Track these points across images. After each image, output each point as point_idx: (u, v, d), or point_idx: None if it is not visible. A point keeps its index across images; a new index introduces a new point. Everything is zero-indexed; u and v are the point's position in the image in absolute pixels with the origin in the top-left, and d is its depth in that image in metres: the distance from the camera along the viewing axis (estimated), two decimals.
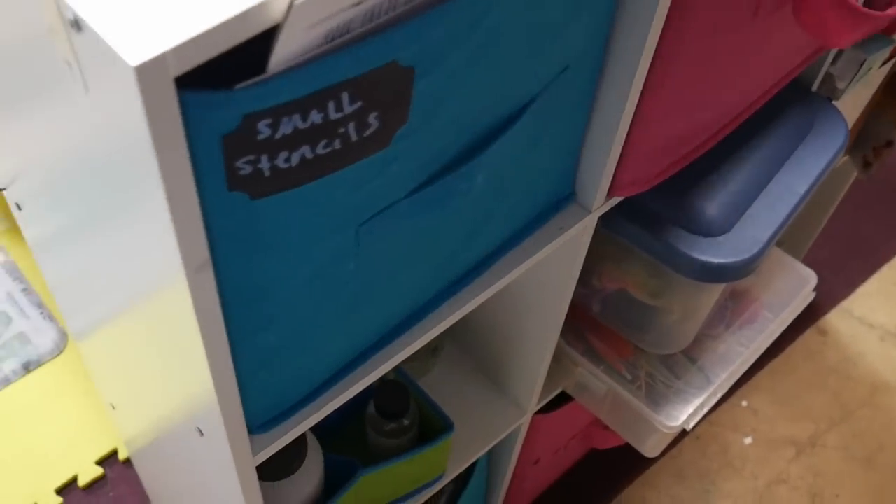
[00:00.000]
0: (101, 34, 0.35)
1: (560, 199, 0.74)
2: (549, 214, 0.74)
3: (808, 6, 0.68)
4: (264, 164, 0.44)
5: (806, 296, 1.08)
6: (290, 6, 0.36)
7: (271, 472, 0.78)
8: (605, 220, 0.79)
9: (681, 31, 0.61)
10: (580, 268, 0.83)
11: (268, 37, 0.38)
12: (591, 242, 0.80)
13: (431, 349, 1.05)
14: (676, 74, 0.66)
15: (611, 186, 0.73)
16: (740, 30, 0.68)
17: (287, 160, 0.45)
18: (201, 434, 0.63)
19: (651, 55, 0.61)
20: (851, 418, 1.39)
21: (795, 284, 1.10)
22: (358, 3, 0.40)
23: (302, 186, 0.47)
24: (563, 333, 0.94)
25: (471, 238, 0.66)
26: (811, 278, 1.09)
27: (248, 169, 0.44)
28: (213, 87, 0.39)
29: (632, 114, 0.66)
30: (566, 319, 0.90)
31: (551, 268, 0.84)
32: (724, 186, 0.82)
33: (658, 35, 0.60)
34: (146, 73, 0.34)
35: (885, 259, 1.56)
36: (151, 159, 0.38)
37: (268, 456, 0.63)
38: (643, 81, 0.63)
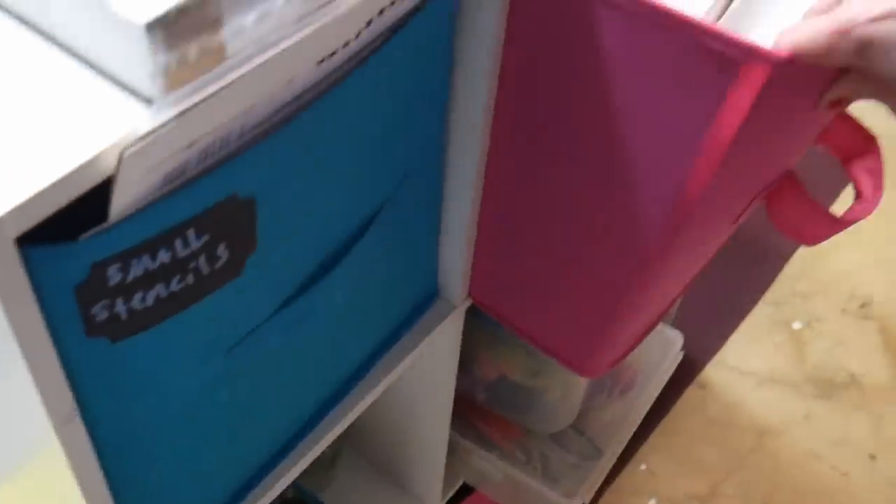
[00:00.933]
0: None
1: (426, 298, 0.77)
2: (417, 315, 0.76)
3: (784, 215, 0.71)
4: (120, 307, 0.45)
5: (675, 356, 1.14)
6: (121, 159, 0.37)
7: None
8: (473, 310, 0.82)
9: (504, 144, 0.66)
10: (457, 360, 0.85)
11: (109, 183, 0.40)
12: (466, 333, 0.83)
13: (329, 459, 1.05)
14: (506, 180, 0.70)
15: (471, 282, 0.77)
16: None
17: (143, 300, 0.46)
18: None
19: (485, 157, 0.66)
20: (744, 465, 1.45)
21: (665, 346, 1.15)
22: (190, 146, 0.42)
23: (162, 323, 0.48)
24: (453, 425, 0.96)
25: (342, 348, 0.68)
26: (678, 339, 1.14)
27: (104, 314, 0.45)
28: (59, 238, 0.40)
29: (477, 213, 0.70)
30: (455, 410, 0.92)
31: (429, 364, 0.87)
32: None
33: (488, 138, 0.65)
34: None
35: (748, 308, 1.64)
36: (1, 318, 0.39)
37: None
38: (482, 182, 0.68)
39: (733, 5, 0.59)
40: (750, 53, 0.50)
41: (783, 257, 1.73)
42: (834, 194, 1.82)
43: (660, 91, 0.55)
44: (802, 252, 1.75)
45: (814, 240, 0.71)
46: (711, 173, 0.56)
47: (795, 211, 0.70)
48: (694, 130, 0.54)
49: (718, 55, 0.51)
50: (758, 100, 0.51)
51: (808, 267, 1.73)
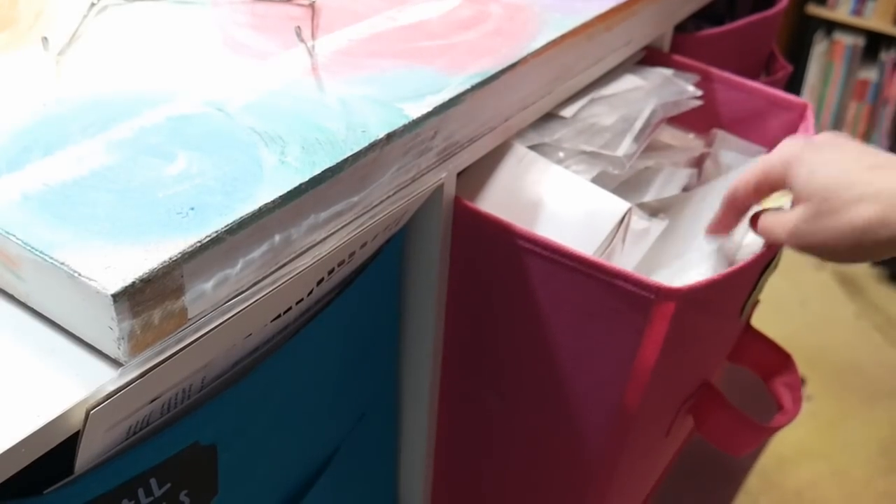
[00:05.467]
0: None
1: None
2: None
3: (710, 425, 0.74)
4: None
5: None
6: (88, 415, 0.40)
7: None
8: None
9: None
10: None
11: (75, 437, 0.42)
12: None
13: None
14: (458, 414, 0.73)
15: None
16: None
17: None
18: None
19: (437, 391, 0.69)
20: None
21: None
22: (153, 401, 0.45)
23: None
24: None
25: None
26: None
27: None
28: (25, 487, 0.42)
29: (433, 445, 0.73)
30: None
31: None
32: None
33: (438, 377, 0.68)
34: None
35: None
36: None
37: None
38: (435, 422, 0.71)
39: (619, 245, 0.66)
40: (658, 292, 0.56)
41: (743, 470, 1.75)
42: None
43: (586, 326, 0.60)
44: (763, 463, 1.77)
45: (741, 448, 0.74)
46: (641, 395, 0.60)
47: (720, 421, 0.74)
48: (620, 360, 0.60)
49: (631, 295, 0.56)
50: (670, 329, 0.57)
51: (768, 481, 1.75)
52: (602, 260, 0.58)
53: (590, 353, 0.61)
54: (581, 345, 0.61)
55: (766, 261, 0.65)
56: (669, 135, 0.83)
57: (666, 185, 0.74)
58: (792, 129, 0.78)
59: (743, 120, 0.83)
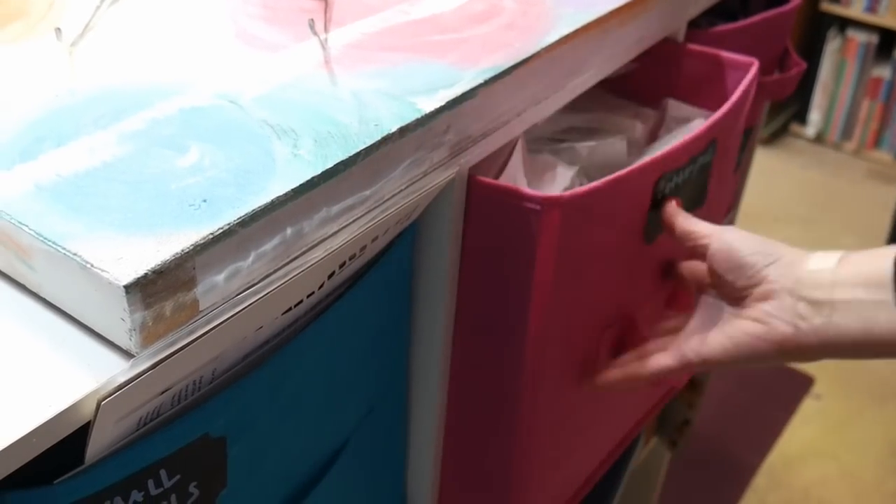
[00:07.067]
0: None
1: None
2: None
3: None
4: None
5: None
6: (99, 406, 0.41)
7: None
8: None
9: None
10: None
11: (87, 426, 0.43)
12: None
13: None
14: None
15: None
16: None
17: None
18: None
19: (446, 391, 0.69)
20: None
21: None
22: (164, 392, 0.45)
23: None
24: None
25: None
26: None
27: None
28: (33, 476, 0.42)
29: (441, 439, 0.73)
30: None
31: None
32: None
33: (448, 371, 0.68)
34: None
35: None
36: None
37: None
38: (444, 416, 0.71)
39: None
40: (542, 202, 0.60)
41: (751, 469, 1.75)
42: (793, 406, 1.86)
43: (505, 253, 0.64)
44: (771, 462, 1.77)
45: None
46: (544, 312, 0.64)
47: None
48: (523, 280, 0.63)
49: (521, 210, 0.61)
50: (561, 238, 0.61)
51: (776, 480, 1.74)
52: (491, 179, 0.62)
53: (508, 280, 0.65)
54: (504, 274, 0.65)
55: (655, 172, 0.67)
56: (625, 111, 0.86)
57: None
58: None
59: (697, 85, 0.85)
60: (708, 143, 0.73)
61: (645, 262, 0.74)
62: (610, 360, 0.73)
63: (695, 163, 0.72)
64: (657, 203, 0.69)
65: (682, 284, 0.75)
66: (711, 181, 0.77)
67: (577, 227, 0.62)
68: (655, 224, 0.70)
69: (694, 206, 0.75)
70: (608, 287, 0.72)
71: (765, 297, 0.61)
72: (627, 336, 0.74)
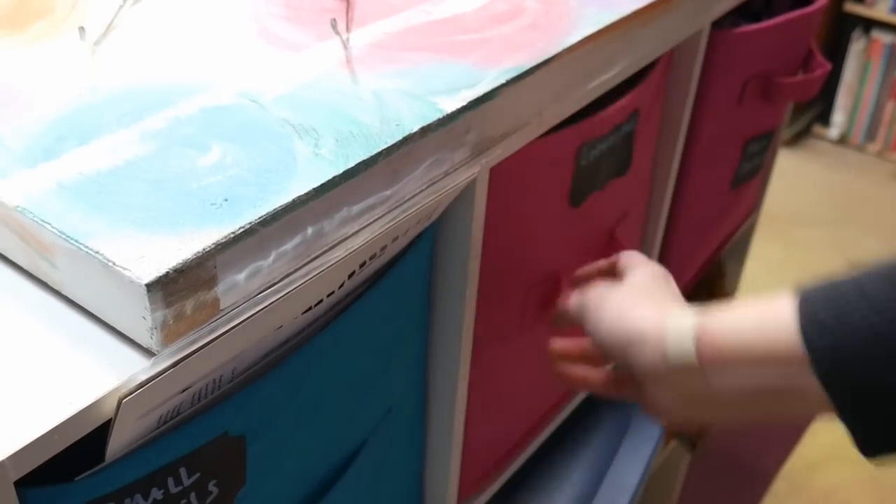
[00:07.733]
0: None
1: None
2: None
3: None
4: None
5: None
6: (120, 404, 0.41)
7: None
8: None
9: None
10: None
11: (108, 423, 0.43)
12: None
13: None
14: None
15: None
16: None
17: None
18: None
19: (465, 389, 0.69)
20: None
21: None
22: (184, 390, 0.45)
23: None
24: None
25: None
26: None
27: None
28: (54, 472, 0.42)
29: (461, 438, 0.73)
30: None
31: None
32: (561, 493, 0.89)
33: (468, 371, 0.68)
34: None
35: None
36: None
37: None
38: (463, 416, 0.71)
39: None
40: None
41: (771, 473, 1.74)
42: None
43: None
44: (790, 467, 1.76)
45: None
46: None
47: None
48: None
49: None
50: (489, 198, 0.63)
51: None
52: None
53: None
54: None
55: (576, 139, 0.70)
56: None
57: None
58: None
59: None
60: (630, 113, 0.76)
61: (573, 223, 0.77)
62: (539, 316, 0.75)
63: (619, 130, 0.76)
64: (583, 169, 0.73)
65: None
66: (635, 151, 0.81)
67: (502, 190, 0.64)
68: (581, 189, 0.74)
69: (617, 173, 0.79)
70: (536, 247, 0.74)
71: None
72: (552, 294, 0.76)
